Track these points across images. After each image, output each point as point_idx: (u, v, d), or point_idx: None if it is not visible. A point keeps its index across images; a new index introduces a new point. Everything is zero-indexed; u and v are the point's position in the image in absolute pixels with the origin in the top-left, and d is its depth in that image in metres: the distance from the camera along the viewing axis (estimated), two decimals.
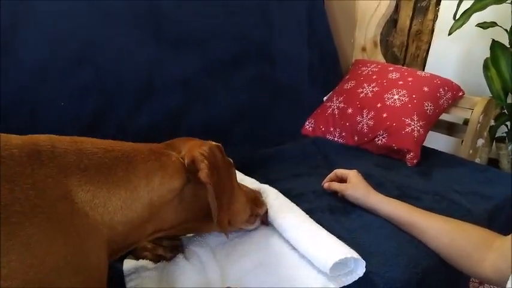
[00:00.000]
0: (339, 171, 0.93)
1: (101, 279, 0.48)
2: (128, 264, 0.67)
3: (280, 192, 0.88)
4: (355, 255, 0.64)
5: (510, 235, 0.61)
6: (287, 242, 0.72)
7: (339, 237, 0.70)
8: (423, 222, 0.75)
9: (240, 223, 0.72)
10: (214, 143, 0.64)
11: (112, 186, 0.49)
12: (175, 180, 0.56)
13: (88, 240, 0.46)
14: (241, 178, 0.91)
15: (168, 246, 0.70)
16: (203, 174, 0.55)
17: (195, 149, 0.58)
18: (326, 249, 0.64)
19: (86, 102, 0.96)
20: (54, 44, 0.92)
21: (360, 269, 0.64)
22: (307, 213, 0.79)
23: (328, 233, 0.71)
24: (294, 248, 0.71)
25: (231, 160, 0.70)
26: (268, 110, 1.34)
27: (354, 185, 0.87)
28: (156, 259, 0.69)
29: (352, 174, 0.89)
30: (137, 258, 0.69)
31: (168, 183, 0.55)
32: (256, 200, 0.75)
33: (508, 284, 0.47)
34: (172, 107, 1.11)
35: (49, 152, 0.46)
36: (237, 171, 0.93)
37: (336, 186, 0.91)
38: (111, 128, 1.00)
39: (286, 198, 0.83)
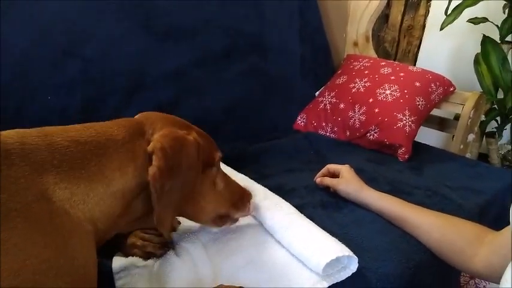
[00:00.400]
0: (331, 167, 0.92)
1: (90, 278, 0.47)
2: (117, 262, 0.66)
3: (272, 187, 0.87)
4: (348, 252, 0.63)
5: (502, 230, 0.61)
6: None
7: (331, 232, 0.70)
8: (415, 217, 0.75)
9: (204, 221, 0.69)
10: (193, 136, 0.58)
11: (88, 181, 0.47)
12: (144, 172, 0.52)
13: (72, 239, 0.44)
14: (232, 174, 0.90)
15: (158, 243, 0.69)
16: (151, 170, 0.51)
17: (163, 140, 0.53)
18: (318, 250, 0.64)
19: (73, 96, 0.94)
20: (39, 36, 0.90)
21: (353, 264, 0.64)
22: (299, 209, 0.78)
23: (320, 229, 0.70)
24: None
25: (219, 155, 0.66)
26: (260, 104, 1.33)
27: (346, 180, 0.86)
28: (146, 256, 0.68)
29: (345, 169, 0.89)
30: (126, 256, 0.68)
31: (140, 176, 0.52)
32: (237, 204, 0.70)
33: (507, 284, 0.46)
34: (163, 101, 1.09)
35: (19, 149, 0.44)
36: (228, 167, 0.92)
37: (328, 181, 0.90)
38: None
39: (275, 195, 0.82)
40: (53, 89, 0.92)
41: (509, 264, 0.48)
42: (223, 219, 0.69)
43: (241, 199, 0.70)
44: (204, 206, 0.64)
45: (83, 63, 0.95)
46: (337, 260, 0.62)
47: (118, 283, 0.62)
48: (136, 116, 0.62)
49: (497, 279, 0.53)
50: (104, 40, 0.99)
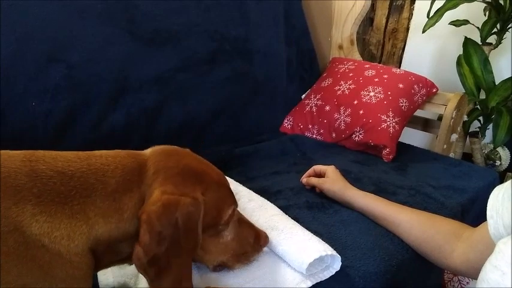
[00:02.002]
0: (317, 167, 0.94)
1: None
2: None
3: (259, 189, 0.88)
4: (331, 251, 0.64)
5: (479, 226, 0.62)
6: None
7: (316, 232, 0.71)
8: (396, 216, 0.76)
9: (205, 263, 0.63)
10: (195, 196, 0.51)
11: (71, 218, 0.44)
12: (130, 226, 0.49)
13: (53, 270, 0.42)
14: None
15: None
16: (136, 249, 0.47)
17: (151, 209, 0.47)
18: (301, 250, 0.64)
19: (57, 102, 0.93)
20: (23, 41, 0.89)
21: (336, 263, 0.65)
22: (284, 210, 0.79)
23: (304, 229, 0.71)
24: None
25: (229, 213, 0.58)
26: (246, 107, 1.34)
27: (332, 180, 0.88)
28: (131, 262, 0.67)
29: (330, 170, 0.90)
30: None
31: (124, 228, 0.49)
32: (240, 257, 0.63)
33: (484, 284, 0.46)
34: (148, 106, 1.09)
35: None
36: None
37: (314, 180, 0.91)
38: (84, 128, 0.98)
39: (260, 197, 0.83)
40: (37, 94, 0.91)
41: (485, 263, 0.48)
42: (222, 266, 0.64)
43: (246, 252, 0.63)
44: (202, 255, 0.60)
45: (67, 68, 0.95)
46: (321, 259, 0.63)
47: (102, 284, 0.62)
48: (148, 151, 0.56)
49: (474, 275, 0.54)
50: (88, 45, 0.99)
